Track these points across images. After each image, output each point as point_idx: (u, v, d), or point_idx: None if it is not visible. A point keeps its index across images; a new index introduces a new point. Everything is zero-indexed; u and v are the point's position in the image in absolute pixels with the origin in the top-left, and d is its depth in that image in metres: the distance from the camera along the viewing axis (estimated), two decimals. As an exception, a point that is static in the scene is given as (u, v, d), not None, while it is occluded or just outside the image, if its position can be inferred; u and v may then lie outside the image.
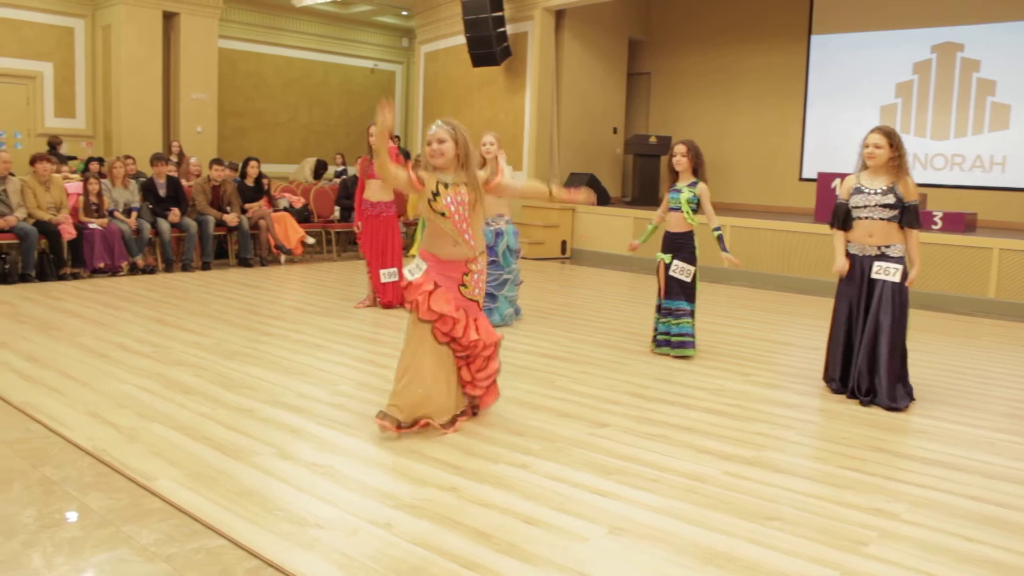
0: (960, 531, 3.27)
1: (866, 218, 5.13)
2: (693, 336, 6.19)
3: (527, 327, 7.12)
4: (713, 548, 3.04)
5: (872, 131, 5.15)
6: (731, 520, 3.30)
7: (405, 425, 4.17)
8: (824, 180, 11.02)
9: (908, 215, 5.06)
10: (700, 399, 5.09)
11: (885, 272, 5.09)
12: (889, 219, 5.07)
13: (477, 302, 4.37)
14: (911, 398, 5.13)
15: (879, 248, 5.12)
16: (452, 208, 4.19)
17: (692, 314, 6.16)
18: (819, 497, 3.57)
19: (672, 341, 6.16)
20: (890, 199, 5.04)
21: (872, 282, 5.14)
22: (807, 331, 7.56)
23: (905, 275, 5.09)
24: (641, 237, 6.50)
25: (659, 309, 6.25)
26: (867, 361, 5.11)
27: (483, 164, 8.48)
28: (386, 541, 3.02)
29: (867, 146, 5.12)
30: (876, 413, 4.91)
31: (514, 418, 4.57)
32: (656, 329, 6.29)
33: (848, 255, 5.27)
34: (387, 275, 7.70)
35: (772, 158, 13.81)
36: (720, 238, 6.10)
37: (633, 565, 2.91)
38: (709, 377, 5.66)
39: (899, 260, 5.09)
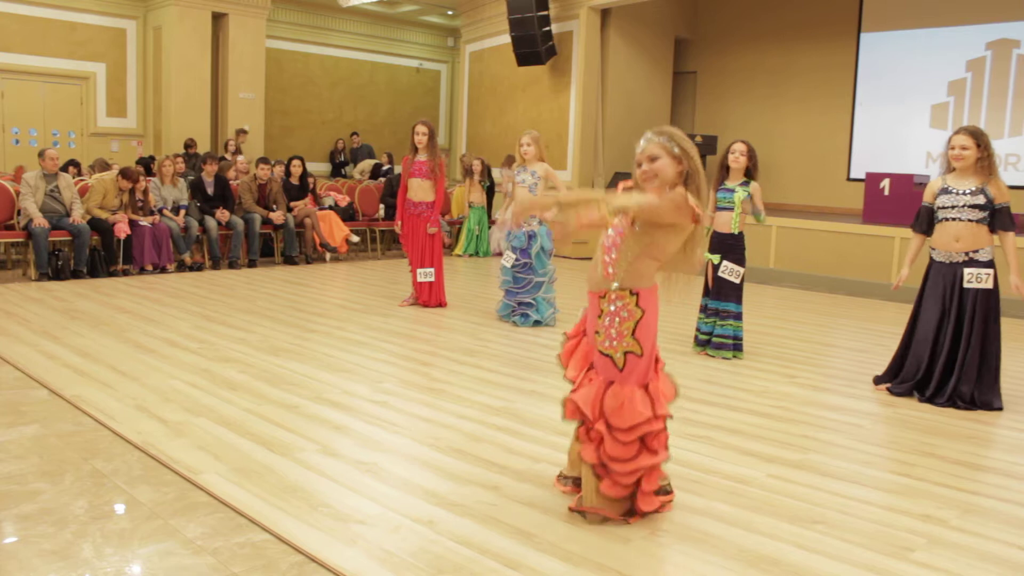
0: (1012, 539, 3.20)
1: (953, 219, 4.98)
2: (739, 338, 6.14)
3: (567, 326, 7.09)
4: (756, 551, 3.01)
5: (958, 132, 4.98)
6: (775, 523, 3.26)
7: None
8: (872, 180, 10.84)
9: (1001, 217, 4.90)
10: (744, 401, 5.04)
11: (978, 279, 4.95)
12: (978, 221, 4.92)
13: (611, 358, 3.18)
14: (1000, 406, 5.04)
15: (967, 254, 4.98)
16: (613, 228, 3.28)
17: (739, 316, 6.11)
18: (866, 502, 3.51)
19: (713, 341, 6.12)
20: (980, 199, 4.89)
21: (964, 291, 5.00)
22: (855, 333, 7.45)
23: (996, 280, 4.96)
24: None
25: (704, 309, 6.20)
26: (962, 368, 4.99)
27: (511, 163, 8.39)
28: (428, 538, 3.03)
29: (953, 148, 4.95)
30: (925, 417, 4.82)
31: (556, 417, 4.55)
32: (699, 329, 6.25)
33: (932, 262, 5.15)
34: (423, 275, 7.73)
35: (820, 158, 13.63)
36: (757, 215, 5.97)
37: (675, 567, 2.89)
38: (753, 379, 5.59)
39: (989, 264, 4.97)
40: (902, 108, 12.65)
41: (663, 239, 3.13)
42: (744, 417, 4.69)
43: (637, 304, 3.17)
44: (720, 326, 6.10)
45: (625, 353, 3.17)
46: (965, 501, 3.57)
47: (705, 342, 6.17)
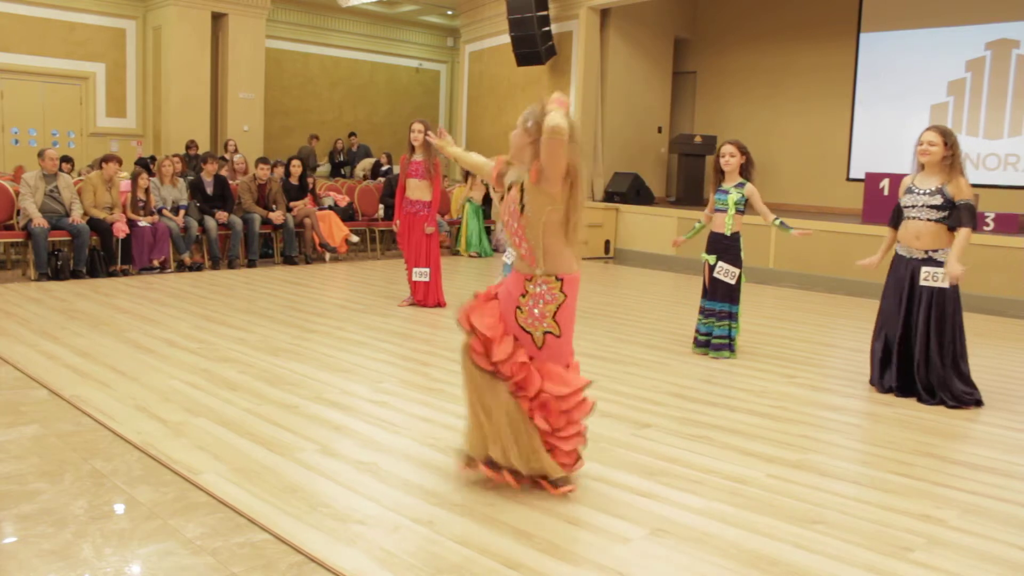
0: (1011, 539, 3.20)
1: (914, 218, 5.07)
2: (733, 339, 6.13)
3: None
4: (756, 551, 3.01)
5: (927, 129, 5.09)
6: (774, 523, 3.26)
7: (477, 462, 3.53)
8: (872, 180, 10.84)
9: (958, 213, 4.93)
10: (744, 401, 5.04)
11: (933, 279, 5.02)
12: (937, 220, 4.98)
13: (531, 335, 3.39)
14: (976, 399, 5.06)
15: (926, 252, 5.04)
16: (504, 212, 3.49)
17: (734, 317, 6.10)
18: (865, 501, 3.51)
19: (712, 343, 6.12)
20: (937, 200, 4.95)
21: (920, 288, 5.07)
22: (854, 333, 7.44)
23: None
24: (687, 234, 6.45)
25: (703, 310, 6.20)
26: (924, 367, 5.06)
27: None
28: (428, 539, 3.03)
29: (921, 143, 5.05)
30: (924, 417, 4.82)
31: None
32: (697, 330, 6.25)
33: (895, 256, 5.24)
34: (419, 274, 7.73)
35: (820, 158, 13.64)
36: (782, 223, 6.09)
37: (674, 567, 2.89)
38: (753, 379, 5.59)
39: None
40: (902, 108, 12.65)
41: (549, 214, 3.34)
42: (744, 417, 4.69)
43: (561, 290, 3.40)
44: (718, 326, 6.10)
45: (544, 333, 3.40)
46: (965, 501, 3.57)
47: (705, 343, 6.17)
